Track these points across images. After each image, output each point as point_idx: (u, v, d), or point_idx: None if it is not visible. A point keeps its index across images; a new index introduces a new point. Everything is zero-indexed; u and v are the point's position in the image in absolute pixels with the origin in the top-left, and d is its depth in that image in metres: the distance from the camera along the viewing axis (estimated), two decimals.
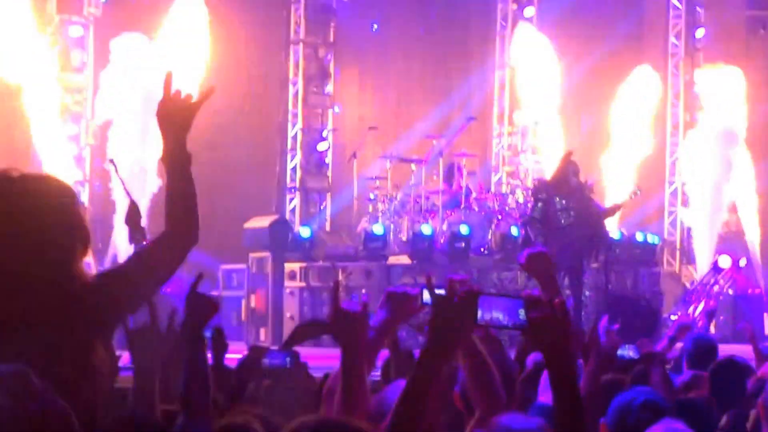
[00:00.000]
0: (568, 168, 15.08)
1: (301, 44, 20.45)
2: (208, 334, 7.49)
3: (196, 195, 4.04)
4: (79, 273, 3.92)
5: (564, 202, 14.90)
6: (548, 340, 3.22)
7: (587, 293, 15.47)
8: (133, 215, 14.71)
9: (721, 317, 18.39)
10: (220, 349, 7.64)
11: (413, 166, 18.93)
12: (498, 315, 3.27)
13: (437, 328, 3.29)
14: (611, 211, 15.49)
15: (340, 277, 16.53)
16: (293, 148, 20.36)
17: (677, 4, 20.54)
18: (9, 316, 3.76)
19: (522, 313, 3.23)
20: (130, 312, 4.04)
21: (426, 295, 3.72)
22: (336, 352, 3.86)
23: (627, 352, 6.25)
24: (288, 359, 5.50)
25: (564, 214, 14.89)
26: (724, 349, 8.63)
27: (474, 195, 18.87)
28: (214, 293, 17.22)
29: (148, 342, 4.08)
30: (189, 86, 4.10)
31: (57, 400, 2.80)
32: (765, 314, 18.06)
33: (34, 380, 2.78)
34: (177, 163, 4.00)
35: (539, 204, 15.06)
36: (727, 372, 6.72)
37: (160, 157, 4.01)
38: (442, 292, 3.41)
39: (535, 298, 3.27)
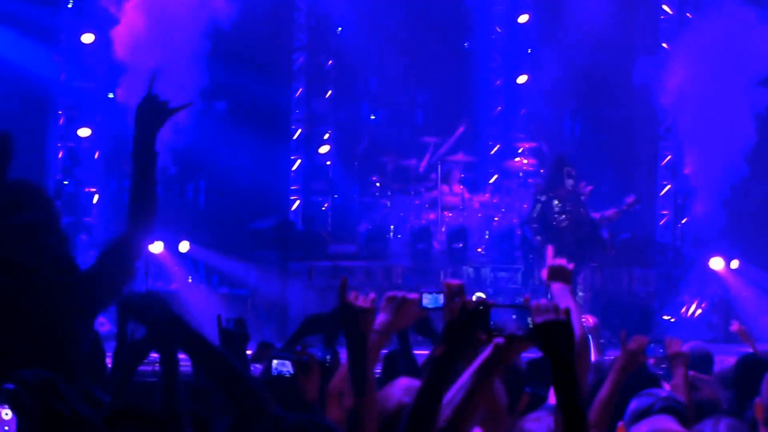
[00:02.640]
0: (563, 171, 15.43)
1: (303, 51, 20.90)
2: (230, 325, 7.68)
3: (156, 193, 4.34)
4: (66, 264, 4.22)
5: (560, 204, 15.27)
6: (553, 344, 3.30)
7: (581, 294, 15.81)
8: None
9: (714, 319, 18.69)
10: (243, 341, 7.93)
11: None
12: (507, 323, 3.44)
13: (452, 336, 3.47)
14: (607, 219, 15.74)
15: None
16: (295, 151, 20.80)
17: (667, 9, 20.91)
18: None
19: (530, 320, 3.35)
20: (103, 306, 4.35)
21: (425, 300, 3.96)
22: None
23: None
24: (328, 356, 5.73)
25: (559, 216, 15.25)
26: (717, 350, 8.91)
27: (471, 196, 19.33)
28: (222, 291, 17.67)
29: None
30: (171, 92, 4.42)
31: (85, 406, 2.95)
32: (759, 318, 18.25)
33: (62, 387, 2.93)
34: (146, 159, 4.31)
35: (538, 205, 15.43)
36: (753, 367, 6.70)
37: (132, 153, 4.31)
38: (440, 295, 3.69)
39: (541, 305, 3.36)
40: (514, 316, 3.48)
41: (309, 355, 5.42)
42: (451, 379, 3.49)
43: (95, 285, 4.20)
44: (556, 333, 3.29)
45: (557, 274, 4.89)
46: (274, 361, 5.89)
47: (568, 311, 3.34)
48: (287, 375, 5.79)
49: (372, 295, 4.03)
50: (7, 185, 4.22)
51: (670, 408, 4.70)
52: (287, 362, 5.80)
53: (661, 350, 6.44)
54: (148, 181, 4.31)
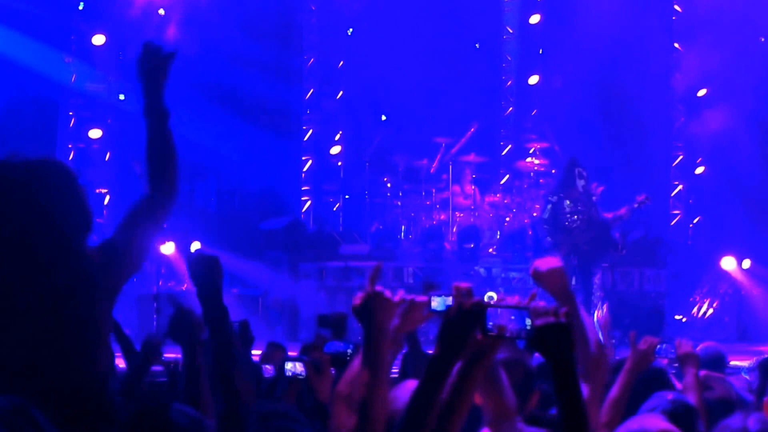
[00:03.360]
0: (575, 172, 15.44)
1: (314, 52, 20.93)
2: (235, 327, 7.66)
3: (175, 152, 4.32)
4: (83, 250, 4.12)
5: (572, 205, 15.27)
6: (553, 349, 3.26)
7: (598, 293, 15.80)
8: None
9: (726, 318, 18.68)
10: (247, 342, 7.96)
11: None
12: (505, 325, 3.39)
13: (446, 337, 3.49)
14: (619, 218, 15.73)
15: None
16: (307, 152, 20.82)
17: (679, 9, 20.91)
18: (23, 293, 3.95)
19: (528, 322, 3.31)
20: (129, 275, 4.26)
21: (434, 303, 3.86)
22: None
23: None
24: (349, 349, 5.73)
25: (571, 217, 15.25)
26: (729, 350, 8.89)
27: (482, 197, 19.33)
28: (233, 291, 17.68)
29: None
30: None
31: (56, 430, 2.83)
32: None
33: (34, 414, 2.82)
34: (156, 116, 4.32)
35: (549, 206, 15.43)
36: None
37: (143, 112, 4.30)
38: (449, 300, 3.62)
39: (541, 307, 3.31)
40: (513, 317, 3.43)
41: (321, 356, 5.44)
42: (447, 380, 3.49)
43: (118, 252, 4.15)
44: (555, 336, 3.26)
45: (552, 278, 4.56)
46: (288, 363, 5.91)
47: (567, 314, 3.29)
48: (300, 377, 5.81)
49: (401, 292, 3.96)
50: (29, 164, 4.08)
51: (675, 411, 4.65)
52: (299, 364, 5.81)
53: (673, 351, 6.43)
54: (165, 138, 4.29)
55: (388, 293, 3.89)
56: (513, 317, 3.44)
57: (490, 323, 3.42)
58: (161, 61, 4.40)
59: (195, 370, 4.18)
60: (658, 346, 5.99)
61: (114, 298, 4.19)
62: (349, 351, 5.56)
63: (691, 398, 5.63)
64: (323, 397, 5.76)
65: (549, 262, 4.58)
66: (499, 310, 3.45)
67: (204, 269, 3.98)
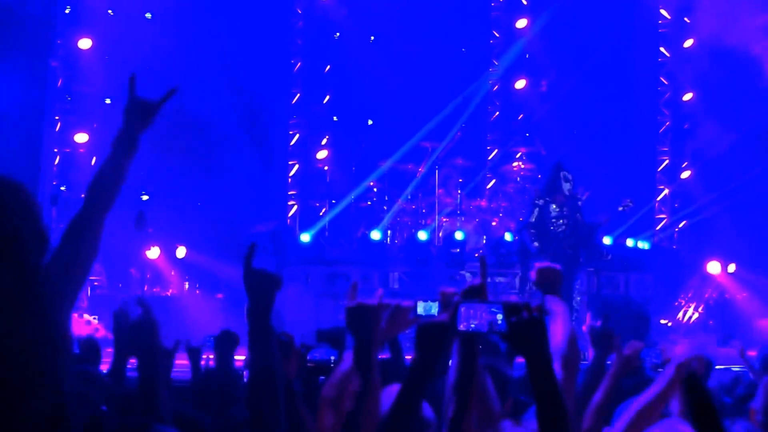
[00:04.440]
0: (560, 176, 15.47)
1: (301, 56, 20.94)
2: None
3: (122, 181, 4.18)
4: (39, 270, 3.96)
5: (557, 209, 15.28)
6: (527, 344, 3.27)
7: (578, 298, 15.82)
8: (140, 222, 15.15)
9: (711, 322, 18.70)
10: (232, 346, 7.97)
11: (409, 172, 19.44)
12: (478, 322, 3.41)
13: (424, 339, 3.51)
14: (603, 222, 15.77)
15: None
16: (293, 156, 20.81)
17: (665, 14, 20.95)
18: None
19: (500, 318, 3.32)
20: (78, 290, 4.11)
21: (420, 308, 3.92)
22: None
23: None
24: (333, 357, 5.75)
25: (557, 221, 15.26)
26: (714, 354, 8.90)
27: (469, 201, 19.34)
28: (219, 296, 17.65)
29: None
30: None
31: None
32: (756, 321, 18.24)
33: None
34: (126, 150, 4.22)
35: (535, 210, 15.45)
36: None
37: (113, 140, 4.21)
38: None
39: (514, 303, 3.32)
40: (485, 314, 3.43)
41: (288, 336, 5.47)
42: (428, 383, 3.51)
43: (60, 272, 4.02)
44: (529, 331, 3.27)
45: (546, 276, 4.84)
46: None
47: (540, 308, 3.31)
48: None
49: (380, 291, 4.00)
50: None
51: None
52: None
53: (657, 355, 6.45)
54: (122, 167, 4.21)
55: (369, 301, 3.89)
56: (486, 314, 3.44)
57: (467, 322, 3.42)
58: (151, 111, 4.28)
59: (152, 381, 4.14)
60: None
61: (70, 309, 4.08)
62: (333, 359, 5.58)
63: (676, 403, 5.64)
64: (290, 375, 5.83)
65: (547, 264, 4.83)
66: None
67: (262, 286, 3.87)
